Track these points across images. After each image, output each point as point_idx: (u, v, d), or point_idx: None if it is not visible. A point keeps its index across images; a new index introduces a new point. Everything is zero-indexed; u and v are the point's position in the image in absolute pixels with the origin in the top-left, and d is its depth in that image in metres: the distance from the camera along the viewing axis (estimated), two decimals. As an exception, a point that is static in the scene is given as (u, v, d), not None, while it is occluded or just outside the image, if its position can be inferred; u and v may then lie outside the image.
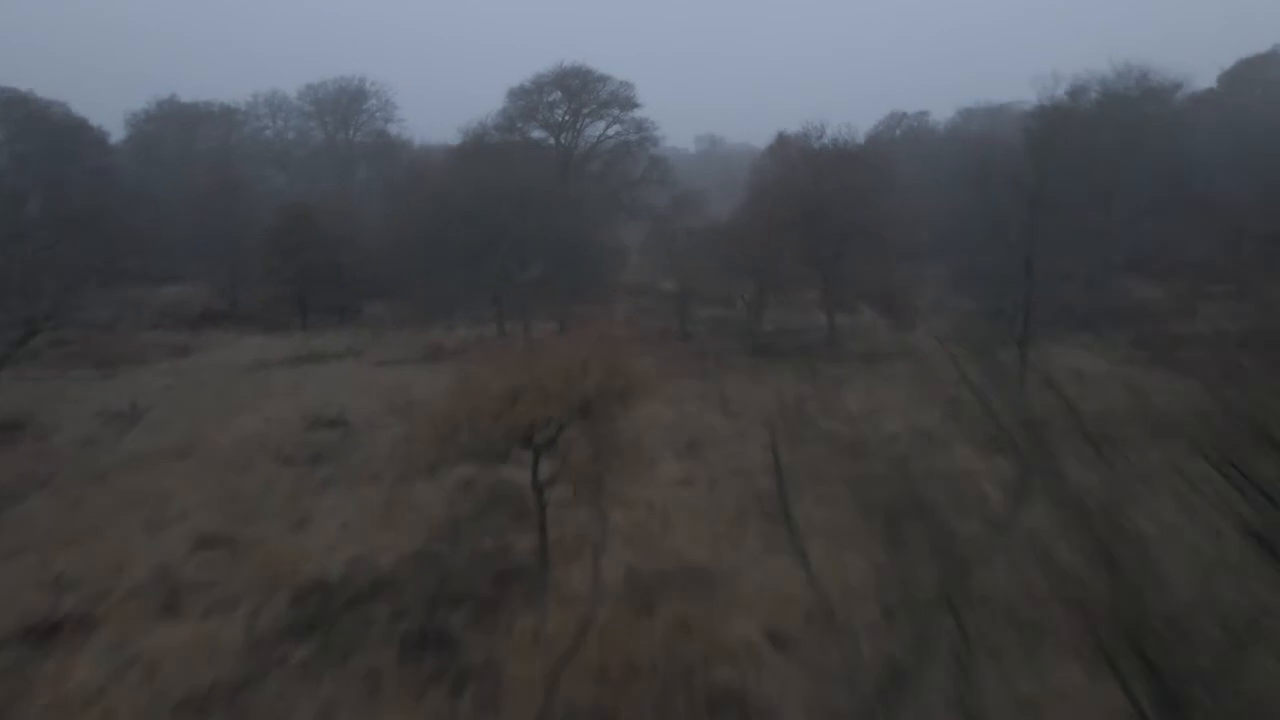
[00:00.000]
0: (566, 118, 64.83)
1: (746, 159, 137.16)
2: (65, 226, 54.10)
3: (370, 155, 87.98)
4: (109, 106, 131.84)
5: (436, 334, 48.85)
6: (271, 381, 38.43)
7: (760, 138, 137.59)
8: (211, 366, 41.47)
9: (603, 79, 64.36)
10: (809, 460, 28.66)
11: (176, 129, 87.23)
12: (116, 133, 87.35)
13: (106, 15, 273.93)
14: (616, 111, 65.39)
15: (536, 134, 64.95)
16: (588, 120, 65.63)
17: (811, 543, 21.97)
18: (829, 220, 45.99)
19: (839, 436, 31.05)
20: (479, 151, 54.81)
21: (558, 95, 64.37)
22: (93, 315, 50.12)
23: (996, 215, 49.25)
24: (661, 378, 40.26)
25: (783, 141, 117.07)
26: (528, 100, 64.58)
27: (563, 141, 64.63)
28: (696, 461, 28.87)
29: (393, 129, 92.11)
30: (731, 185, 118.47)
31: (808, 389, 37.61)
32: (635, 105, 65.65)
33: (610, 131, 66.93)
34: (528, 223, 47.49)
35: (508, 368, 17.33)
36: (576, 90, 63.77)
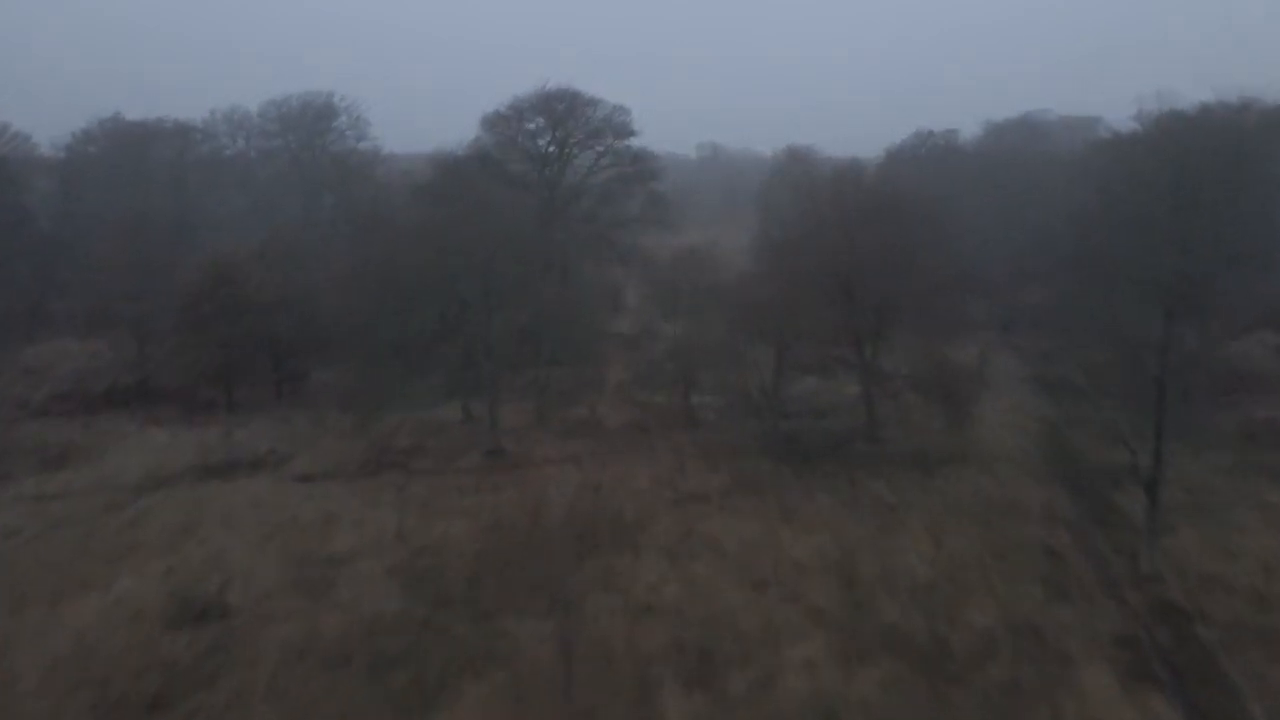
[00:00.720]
0: (551, 148, 55.16)
1: (750, 166, 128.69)
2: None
3: (338, 177, 78.58)
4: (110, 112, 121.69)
5: (388, 423, 39.92)
6: (152, 521, 29.37)
7: (763, 141, 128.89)
8: (86, 490, 32.28)
9: (593, 103, 54.57)
10: (878, 696, 19.77)
11: (122, 150, 77.84)
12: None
13: (106, 15, 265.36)
14: (610, 141, 55.71)
15: (516, 168, 55.30)
16: (576, 151, 56.01)
17: None
18: (867, 288, 37.02)
19: (912, 640, 22.07)
20: (446, 194, 45.68)
21: (540, 122, 54.75)
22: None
23: (1085, 274, 40.64)
24: (662, 504, 31.91)
25: (793, 155, 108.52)
26: (506, 129, 54.96)
27: (547, 175, 55.01)
28: (712, 698, 19.96)
29: (365, 146, 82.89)
30: (734, 194, 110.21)
31: (855, 531, 28.58)
32: (631, 133, 55.83)
33: (602, 163, 57.32)
34: (501, 283, 38.57)
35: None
36: (562, 116, 53.99)
